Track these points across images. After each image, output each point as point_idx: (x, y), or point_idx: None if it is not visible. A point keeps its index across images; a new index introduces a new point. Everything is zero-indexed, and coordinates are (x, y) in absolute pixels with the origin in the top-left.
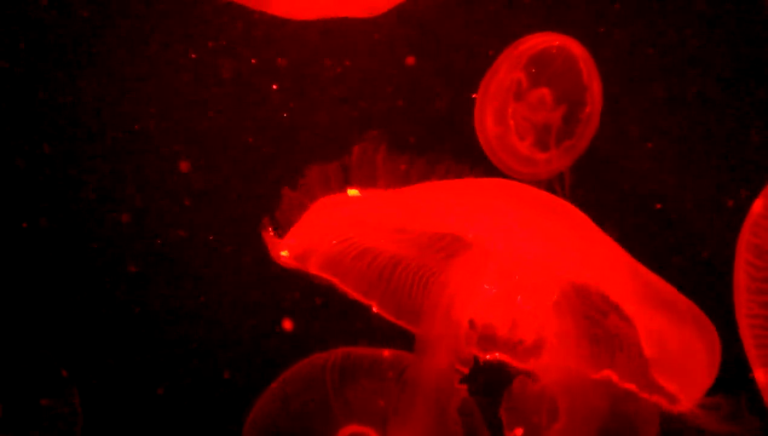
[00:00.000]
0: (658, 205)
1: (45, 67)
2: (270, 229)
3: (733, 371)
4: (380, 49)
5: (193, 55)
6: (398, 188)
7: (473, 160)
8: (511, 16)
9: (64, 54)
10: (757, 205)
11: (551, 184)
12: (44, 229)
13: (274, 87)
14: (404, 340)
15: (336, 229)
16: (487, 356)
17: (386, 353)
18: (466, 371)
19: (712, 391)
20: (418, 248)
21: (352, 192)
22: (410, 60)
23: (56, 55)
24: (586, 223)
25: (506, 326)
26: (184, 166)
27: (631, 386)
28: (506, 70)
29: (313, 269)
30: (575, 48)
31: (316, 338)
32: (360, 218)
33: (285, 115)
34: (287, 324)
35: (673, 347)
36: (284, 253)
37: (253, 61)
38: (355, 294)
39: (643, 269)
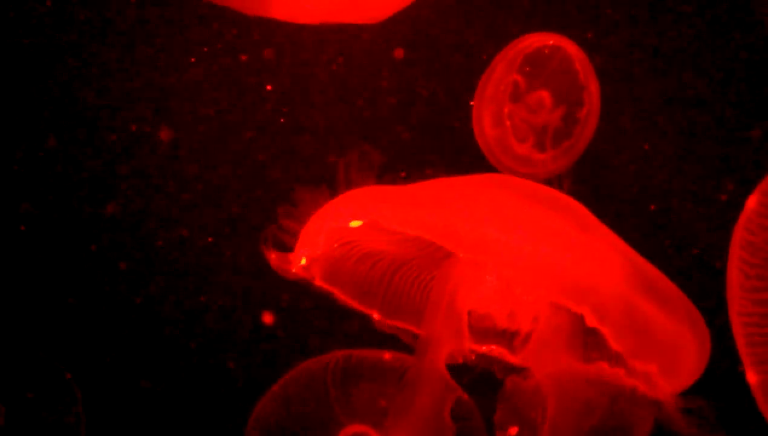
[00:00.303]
0: (652, 207)
1: (43, 70)
2: (270, 246)
3: (724, 370)
4: (379, 54)
5: (192, 59)
6: (397, 188)
7: (472, 162)
8: (510, 19)
9: (66, 57)
10: (751, 202)
11: (550, 185)
12: (42, 229)
13: (268, 87)
14: (404, 343)
15: (338, 233)
16: (483, 349)
17: (387, 355)
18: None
19: (704, 391)
20: (418, 248)
21: (355, 223)
22: (399, 53)
23: (56, 57)
24: (582, 218)
25: (504, 317)
26: (181, 167)
27: (620, 371)
28: (502, 71)
29: (317, 278)
30: (570, 48)
31: (316, 339)
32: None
33: (282, 120)
34: (268, 318)
35: (664, 338)
36: (303, 261)
37: (254, 64)
38: (356, 304)
39: (639, 259)
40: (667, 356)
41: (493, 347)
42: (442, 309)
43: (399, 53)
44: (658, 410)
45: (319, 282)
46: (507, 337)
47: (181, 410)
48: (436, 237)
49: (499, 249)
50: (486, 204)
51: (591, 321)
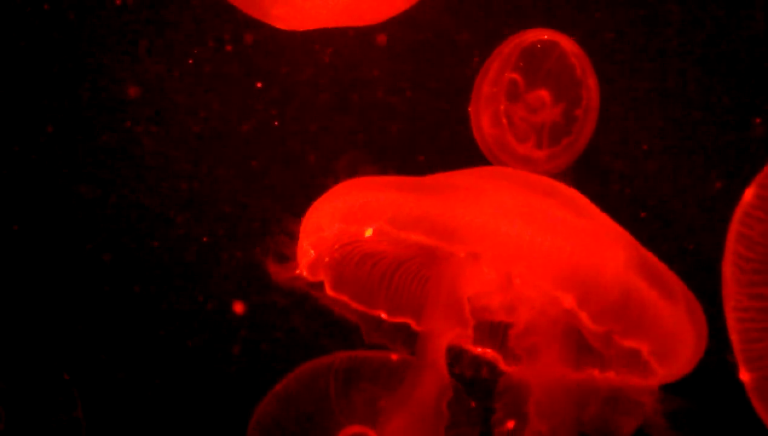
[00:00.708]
0: (642, 214)
1: (44, 71)
2: (270, 260)
3: (716, 368)
4: (374, 57)
5: (191, 61)
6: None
7: (472, 163)
8: (508, 20)
9: (63, 57)
10: (748, 194)
11: None
12: (39, 231)
13: (258, 85)
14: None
15: (341, 233)
16: (478, 350)
17: (394, 356)
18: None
19: (697, 389)
20: (418, 246)
21: (368, 232)
22: (381, 39)
23: (58, 58)
24: (581, 204)
25: (503, 310)
26: (180, 170)
27: (611, 375)
28: (497, 68)
29: (325, 284)
30: (565, 42)
31: (317, 339)
32: (356, 217)
33: (276, 123)
34: (238, 308)
35: (660, 319)
36: (312, 252)
37: (250, 66)
38: (360, 306)
39: (637, 245)
40: (663, 337)
41: (488, 350)
42: (442, 299)
43: (399, 57)
44: (643, 414)
45: (326, 288)
46: (501, 334)
47: (181, 410)
48: (439, 242)
49: (501, 242)
50: (485, 196)
51: (569, 303)
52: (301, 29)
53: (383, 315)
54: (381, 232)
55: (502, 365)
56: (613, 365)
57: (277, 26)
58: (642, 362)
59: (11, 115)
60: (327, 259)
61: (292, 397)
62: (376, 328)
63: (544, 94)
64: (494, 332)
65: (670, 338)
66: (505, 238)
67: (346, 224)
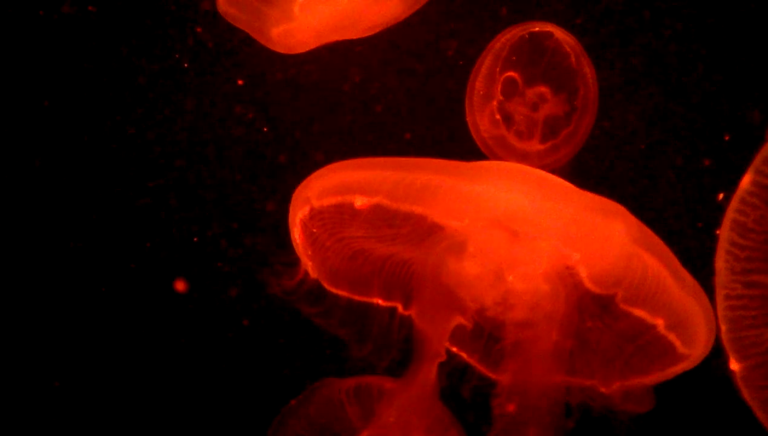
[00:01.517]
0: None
1: (50, 75)
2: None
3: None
4: (371, 65)
5: (186, 64)
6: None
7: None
8: (505, 19)
9: (65, 61)
10: (745, 181)
11: None
12: (36, 230)
13: (239, 82)
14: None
15: (330, 203)
16: (460, 352)
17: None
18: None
19: (687, 382)
20: (404, 242)
21: (361, 200)
22: (390, 64)
23: (64, 61)
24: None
25: (497, 306)
26: (174, 172)
27: (616, 384)
28: (489, 65)
29: (324, 283)
30: (558, 32)
31: (318, 341)
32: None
33: (265, 129)
34: (180, 285)
35: (674, 296)
36: (309, 207)
37: (246, 75)
38: (360, 297)
39: (644, 226)
40: (674, 310)
41: (474, 356)
42: (434, 291)
43: (390, 59)
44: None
45: (325, 285)
46: (486, 338)
47: (179, 412)
48: (439, 216)
49: (503, 204)
50: (482, 171)
51: (573, 258)
52: (302, 50)
53: (379, 302)
54: (379, 206)
55: (483, 370)
56: (634, 355)
57: (279, 51)
58: (662, 340)
59: (12, 118)
60: (322, 256)
61: (309, 416)
62: (364, 346)
63: (543, 89)
64: (479, 335)
65: (682, 312)
66: (507, 200)
67: (341, 196)
